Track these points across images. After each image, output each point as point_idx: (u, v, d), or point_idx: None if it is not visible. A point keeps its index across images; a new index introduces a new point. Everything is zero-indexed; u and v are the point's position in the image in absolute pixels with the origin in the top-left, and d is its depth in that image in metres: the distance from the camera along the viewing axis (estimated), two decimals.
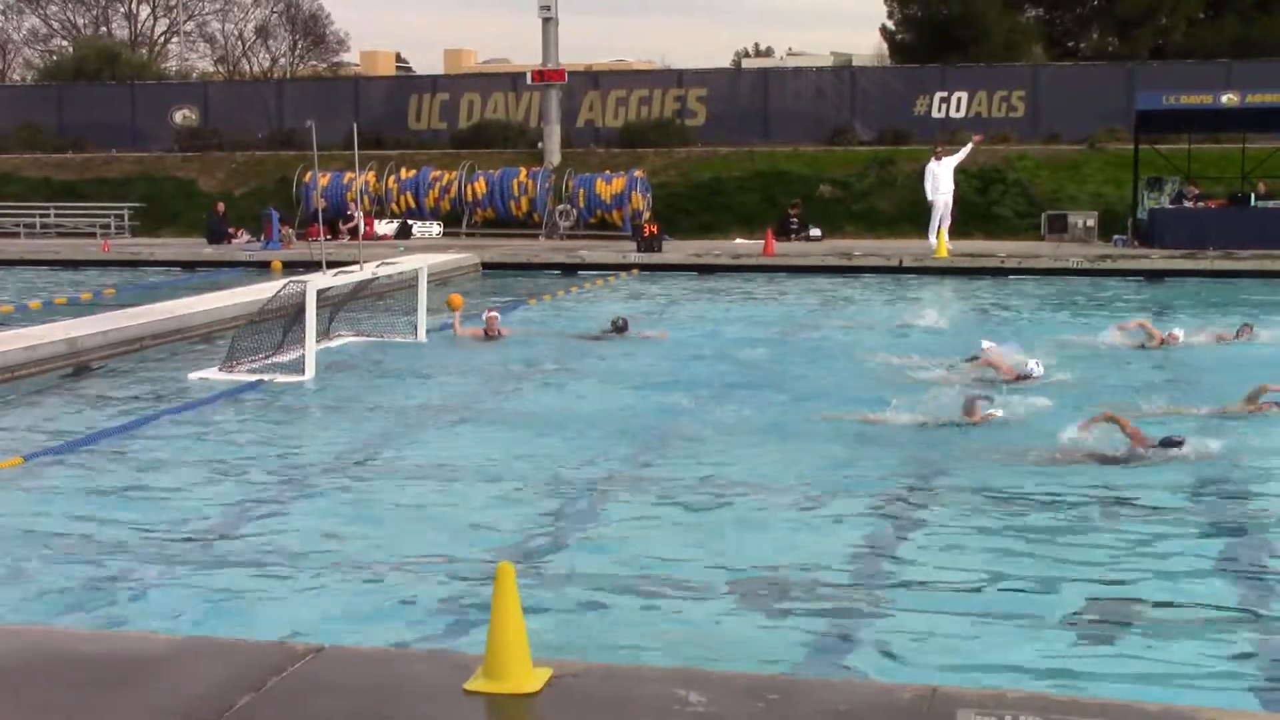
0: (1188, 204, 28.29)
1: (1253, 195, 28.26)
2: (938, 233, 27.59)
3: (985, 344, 15.17)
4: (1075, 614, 7.37)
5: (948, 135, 34.22)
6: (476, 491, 10.14)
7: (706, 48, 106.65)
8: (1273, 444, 11.43)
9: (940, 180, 28.12)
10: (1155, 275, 24.72)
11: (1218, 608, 7.51)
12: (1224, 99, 27.82)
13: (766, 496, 9.83)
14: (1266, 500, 9.82)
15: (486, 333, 17.53)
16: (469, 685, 5.34)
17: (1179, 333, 16.61)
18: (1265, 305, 20.69)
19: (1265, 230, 26.85)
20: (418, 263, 19.22)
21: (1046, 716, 4.96)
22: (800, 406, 13.17)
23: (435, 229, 32.49)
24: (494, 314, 18.01)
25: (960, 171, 28.94)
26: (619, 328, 17.54)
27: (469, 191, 32.62)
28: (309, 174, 31.82)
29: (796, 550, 8.50)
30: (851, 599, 7.67)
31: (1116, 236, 28.45)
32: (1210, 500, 9.83)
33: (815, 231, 30.80)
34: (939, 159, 28.33)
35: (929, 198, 28.23)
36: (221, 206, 32.57)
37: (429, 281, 18.70)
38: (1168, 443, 10.75)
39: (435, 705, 5.27)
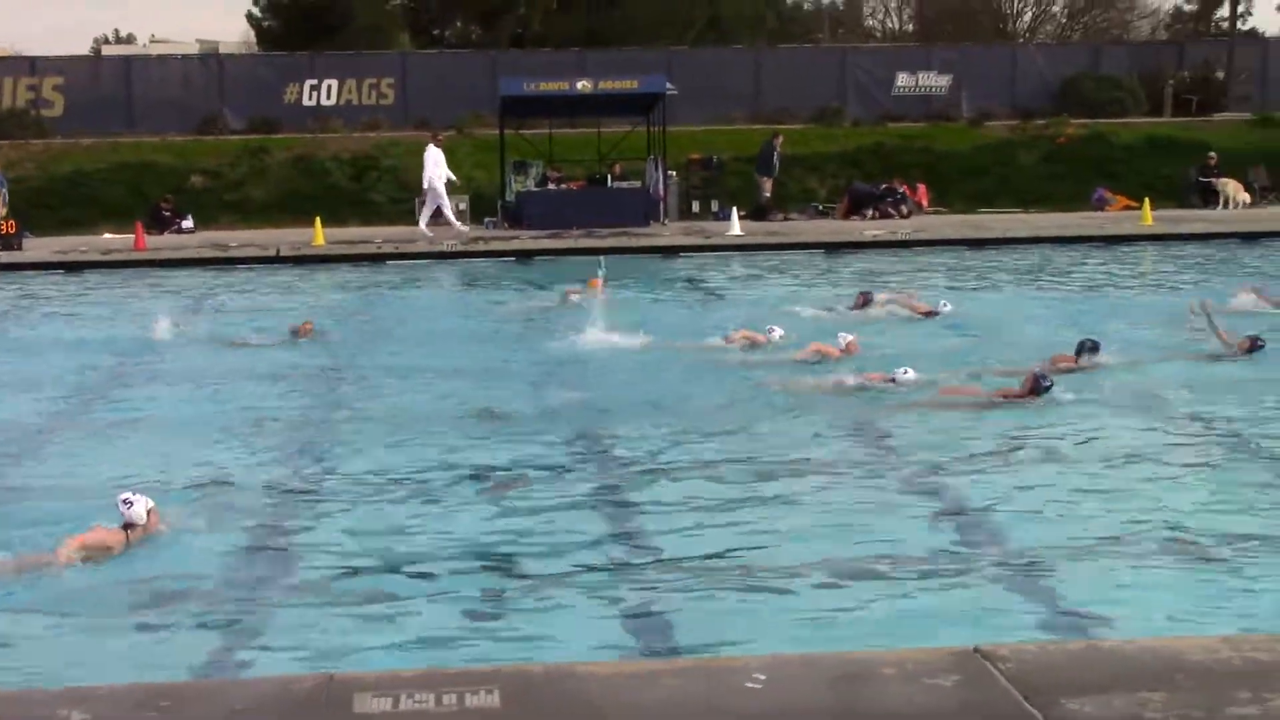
0: (551, 186, 29.72)
1: (609, 176, 30.05)
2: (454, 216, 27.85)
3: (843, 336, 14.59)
4: (455, 590, 7.62)
5: (320, 124, 34.25)
6: None
7: (61, 34, 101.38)
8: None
9: (441, 165, 28.04)
10: (526, 255, 25.78)
11: (600, 568, 7.99)
12: (579, 85, 29.37)
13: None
14: (681, 470, 10.50)
15: None
16: None
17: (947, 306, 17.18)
18: (632, 277, 22.09)
19: (620, 208, 28.63)
20: None
21: (439, 690, 5.12)
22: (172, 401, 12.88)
23: None
24: None
25: (334, 159, 28.96)
26: (298, 332, 16.25)
27: None
28: None
29: (183, 555, 8.28)
30: (249, 597, 7.58)
31: (487, 219, 29.44)
32: (592, 466, 10.42)
33: (187, 223, 29.94)
34: (438, 144, 28.24)
35: (434, 184, 27.95)
36: None
37: None
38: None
39: None
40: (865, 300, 17.44)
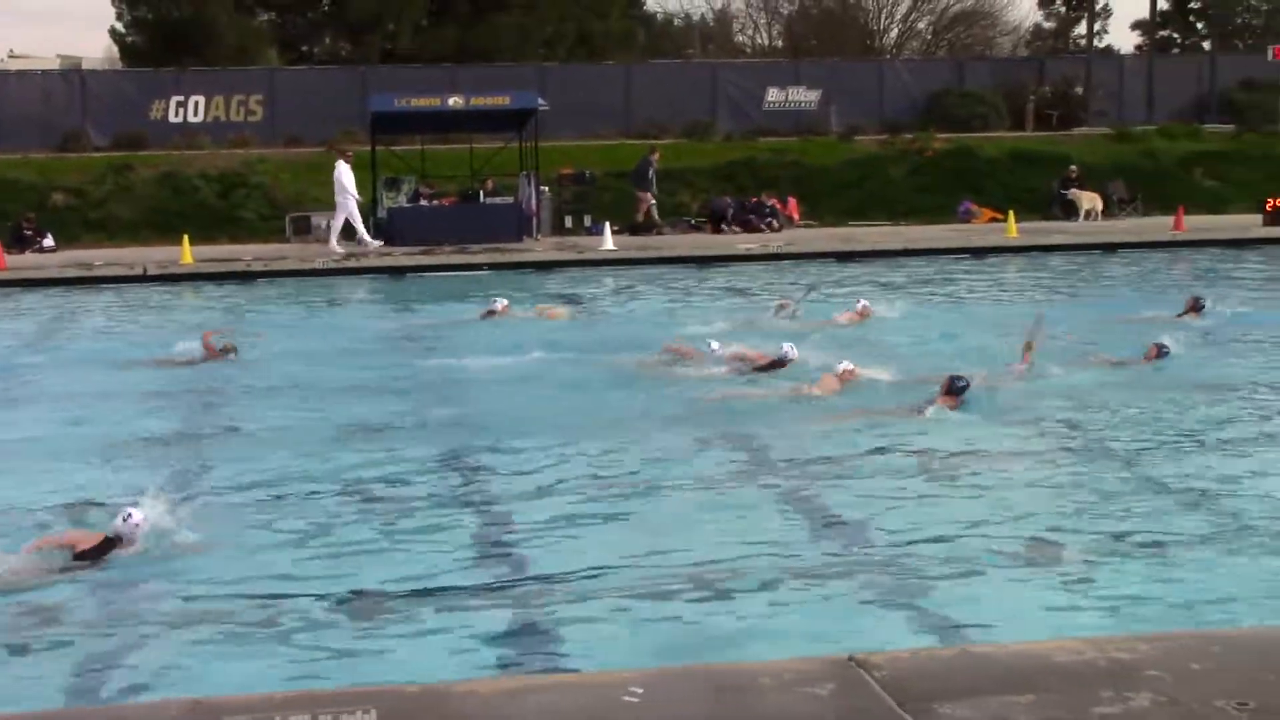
0: (424, 202, 29.55)
1: (481, 192, 29.97)
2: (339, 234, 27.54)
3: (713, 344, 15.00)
4: (330, 610, 7.54)
5: (187, 141, 33.76)
6: None
7: None
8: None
9: (350, 181, 27.62)
10: (399, 272, 25.61)
11: (476, 586, 7.94)
12: (450, 101, 29.30)
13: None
14: (513, 475, 10.47)
15: None
16: None
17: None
18: (504, 291, 22.05)
19: (493, 224, 28.57)
20: None
21: (314, 712, 5.05)
22: None
23: None
24: None
25: (201, 176, 28.53)
26: (227, 350, 15.74)
27: None
28: None
29: (30, 585, 8.07)
30: (114, 622, 7.43)
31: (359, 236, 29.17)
32: (469, 482, 10.37)
33: (49, 241, 29.29)
34: (348, 160, 27.83)
35: (339, 197, 27.57)
36: None
37: None
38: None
39: None
40: (787, 309, 17.97)
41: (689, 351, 14.74)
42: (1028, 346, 13.62)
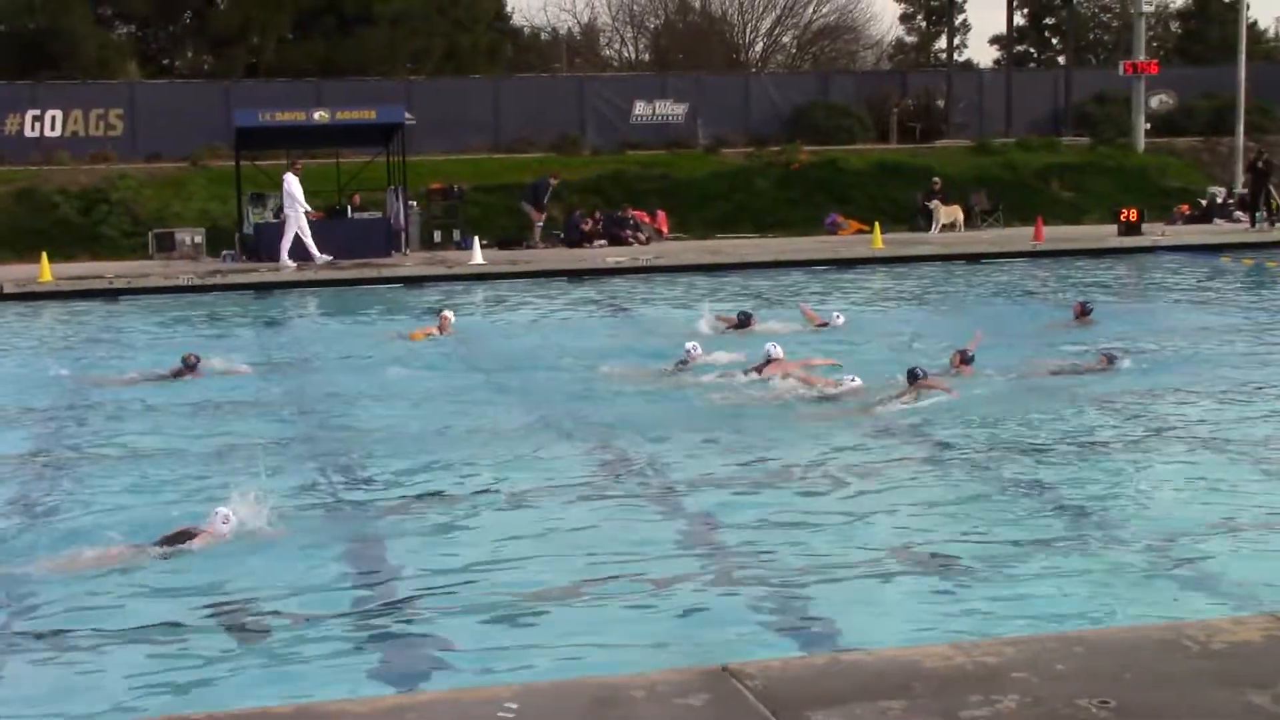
0: None
1: (349, 208, 29.67)
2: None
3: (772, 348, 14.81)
4: (197, 631, 7.43)
5: (45, 156, 33.01)
6: None
7: None
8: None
9: (299, 195, 27.05)
10: (266, 288, 25.25)
11: (347, 603, 7.88)
12: (316, 116, 28.99)
13: None
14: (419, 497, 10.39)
15: None
16: None
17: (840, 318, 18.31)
18: (410, 308, 21.87)
19: (361, 240, 28.31)
20: None
21: None
22: None
23: None
24: None
25: (61, 192, 27.89)
26: (190, 365, 15.23)
27: None
28: None
29: None
30: None
31: (225, 252, 28.75)
32: (340, 498, 10.26)
33: None
34: (298, 173, 27.23)
35: (289, 210, 26.96)
36: None
37: None
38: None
39: None
40: (746, 320, 18.22)
41: (698, 357, 14.98)
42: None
